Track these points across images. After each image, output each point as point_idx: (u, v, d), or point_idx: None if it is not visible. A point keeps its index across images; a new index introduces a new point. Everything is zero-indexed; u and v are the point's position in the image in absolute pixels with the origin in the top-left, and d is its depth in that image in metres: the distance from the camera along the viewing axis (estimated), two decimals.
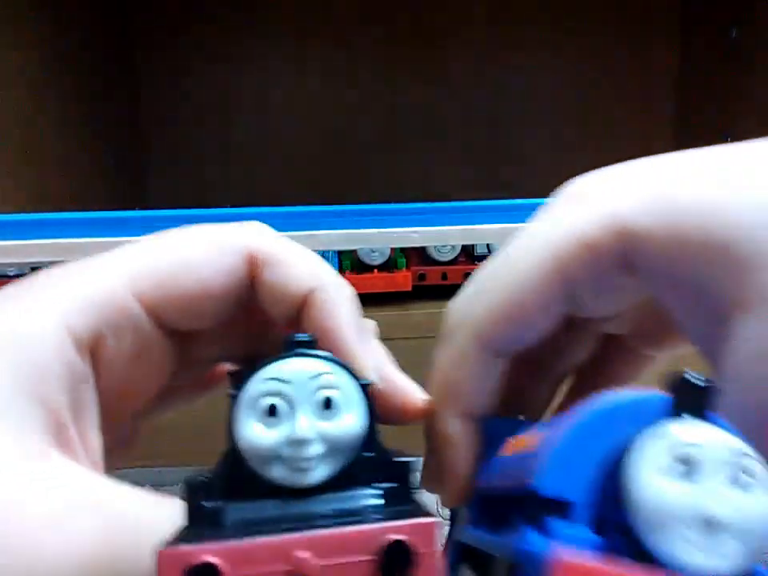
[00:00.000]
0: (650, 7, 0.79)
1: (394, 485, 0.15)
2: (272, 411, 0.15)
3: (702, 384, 0.14)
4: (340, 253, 0.47)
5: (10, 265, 0.33)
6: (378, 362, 0.19)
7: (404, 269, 0.47)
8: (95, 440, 0.17)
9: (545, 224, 0.19)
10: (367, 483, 0.15)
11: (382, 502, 0.15)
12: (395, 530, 0.13)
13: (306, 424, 0.15)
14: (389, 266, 0.47)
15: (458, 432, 0.19)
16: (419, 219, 0.34)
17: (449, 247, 0.52)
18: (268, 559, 0.13)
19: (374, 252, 0.47)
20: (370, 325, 0.20)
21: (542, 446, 0.14)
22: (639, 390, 0.14)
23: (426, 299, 0.53)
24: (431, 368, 0.20)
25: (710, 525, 0.13)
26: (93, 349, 0.17)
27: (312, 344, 0.16)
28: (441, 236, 0.34)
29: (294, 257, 0.19)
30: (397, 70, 0.80)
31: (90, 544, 0.14)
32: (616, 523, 0.13)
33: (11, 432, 0.14)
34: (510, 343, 0.19)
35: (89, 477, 0.15)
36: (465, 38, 0.79)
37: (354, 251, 0.47)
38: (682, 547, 0.13)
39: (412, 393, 0.19)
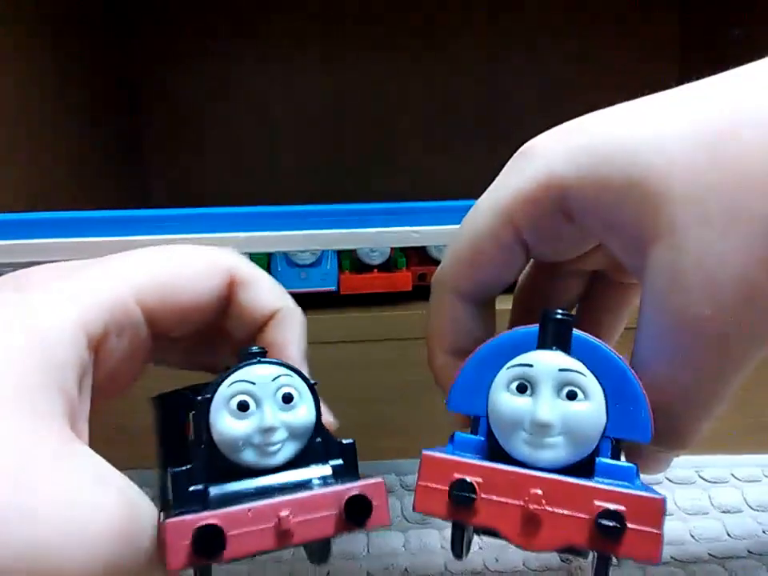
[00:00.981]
0: (650, 7, 0.79)
1: (342, 461, 0.19)
2: (242, 407, 0.18)
3: (559, 317, 0.17)
4: (340, 253, 0.47)
5: (10, 265, 0.33)
6: None
7: (404, 269, 0.47)
8: (84, 428, 0.19)
9: (497, 186, 0.21)
10: (320, 461, 0.19)
11: (333, 473, 0.19)
12: (354, 489, 0.17)
13: (272, 415, 0.18)
14: (389, 266, 0.47)
15: (445, 365, 0.22)
16: (419, 219, 0.34)
17: None
18: (257, 520, 0.16)
19: (373, 252, 0.47)
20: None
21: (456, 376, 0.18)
22: (528, 327, 0.18)
23: (426, 299, 0.52)
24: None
25: (541, 427, 0.17)
26: (97, 346, 0.19)
27: (264, 354, 0.19)
28: (441, 236, 0.34)
29: (264, 282, 0.23)
30: (397, 70, 0.80)
31: (112, 515, 0.16)
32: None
33: (43, 418, 0.16)
34: (475, 287, 0.22)
35: (101, 460, 0.17)
36: (466, 39, 0.79)
37: (353, 251, 0.47)
38: (521, 446, 0.17)
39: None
